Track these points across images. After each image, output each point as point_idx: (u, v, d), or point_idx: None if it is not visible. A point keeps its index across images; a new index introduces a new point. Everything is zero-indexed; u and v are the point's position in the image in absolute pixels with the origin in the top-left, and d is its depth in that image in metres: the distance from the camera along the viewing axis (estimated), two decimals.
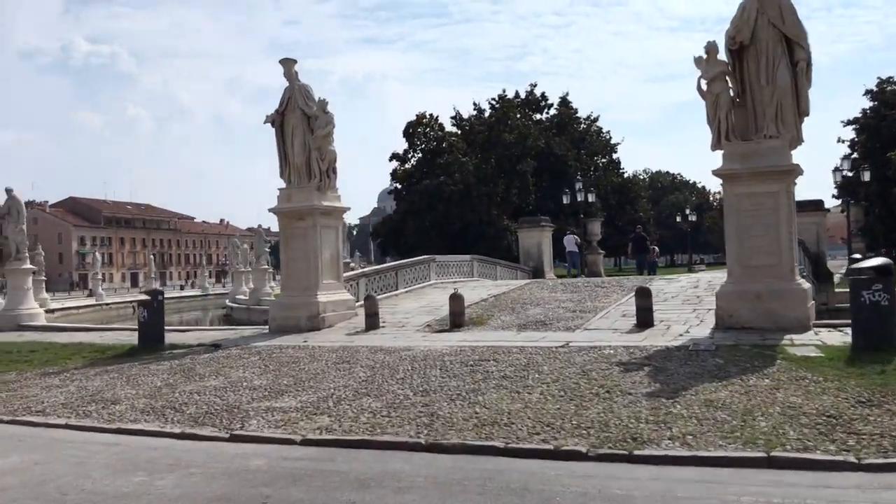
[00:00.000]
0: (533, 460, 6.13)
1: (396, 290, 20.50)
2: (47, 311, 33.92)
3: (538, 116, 66.23)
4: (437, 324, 14.63)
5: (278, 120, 16.04)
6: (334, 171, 16.06)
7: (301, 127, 15.83)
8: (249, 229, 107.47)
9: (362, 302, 16.40)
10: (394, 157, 62.84)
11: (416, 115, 61.70)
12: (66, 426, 8.00)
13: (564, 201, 43.61)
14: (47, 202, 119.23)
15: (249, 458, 6.55)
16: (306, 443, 6.98)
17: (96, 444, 7.24)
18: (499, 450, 6.41)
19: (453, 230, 54.42)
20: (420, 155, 61.86)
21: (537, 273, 31.19)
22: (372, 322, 14.66)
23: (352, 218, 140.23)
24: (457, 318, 14.14)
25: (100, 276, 52.52)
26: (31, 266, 22.22)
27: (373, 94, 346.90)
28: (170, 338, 14.91)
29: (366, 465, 6.15)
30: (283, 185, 16.10)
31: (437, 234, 53.90)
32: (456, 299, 14.36)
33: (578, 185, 40.89)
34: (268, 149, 16.22)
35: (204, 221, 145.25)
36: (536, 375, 8.89)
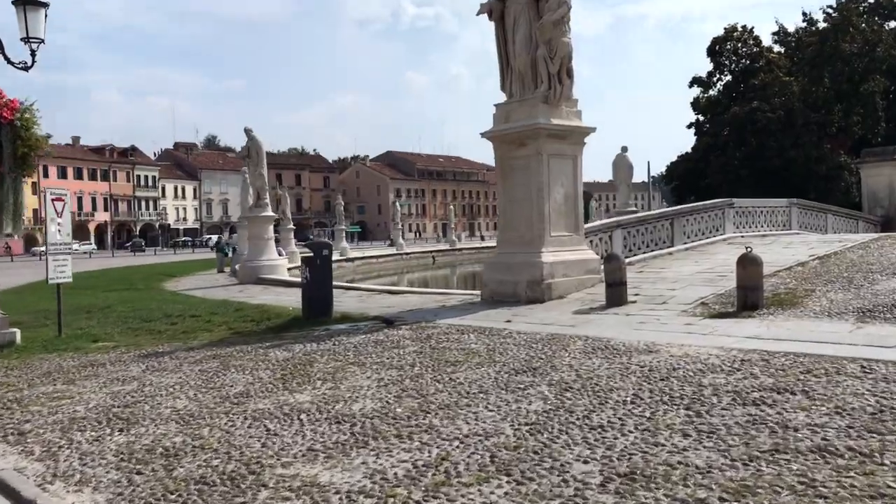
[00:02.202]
0: None
1: (671, 245, 15.07)
2: (347, 260, 34.17)
3: (892, 24, 52.01)
4: (717, 302, 9.40)
5: (497, 9, 11.71)
6: (569, 76, 11.29)
7: (526, 15, 11.35)
8: None
9: None
10: (694, 81, 52.97)
11: (725, 29, 51.34)
12: None
13: None
14: (368, 157, 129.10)
15: None
16: None
17: None
18: None
19: (770, 169, 44.43)
20: (728, 77, 51.79)
21: (888, 224, 23.54)
22: (615, 295, 9.89)
23: (661, 167, 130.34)
24: (749, 294, 8.75)
25: (400, 227, 53.52)
26: (272, 213, 20.82)
27: (693, 36, 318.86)
28: (368, 304, 11.99)
29: None
30: (503, 99, 11.85)
31: (747, 174, 44.64)
32: (748, 264, 8.90)
33: None
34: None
35: None
36: None
